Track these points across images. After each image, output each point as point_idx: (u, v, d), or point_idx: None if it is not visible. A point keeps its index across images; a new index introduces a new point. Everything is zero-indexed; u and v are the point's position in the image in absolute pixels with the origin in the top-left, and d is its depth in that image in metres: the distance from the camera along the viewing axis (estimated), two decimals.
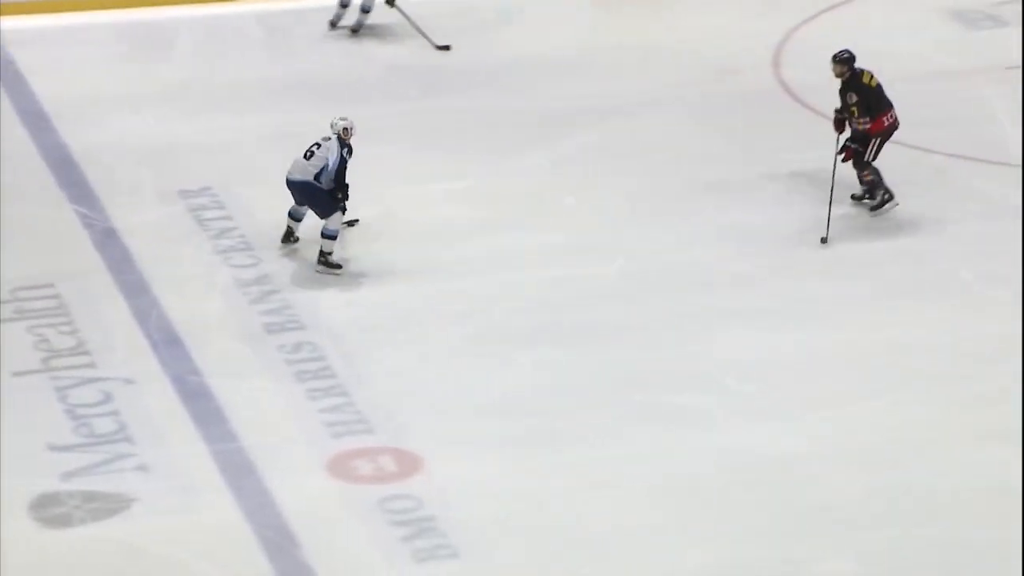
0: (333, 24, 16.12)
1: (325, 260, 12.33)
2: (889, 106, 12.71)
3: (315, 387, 11.27)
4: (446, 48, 15.74)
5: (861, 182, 12.91)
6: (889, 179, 13.00)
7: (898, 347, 11.59)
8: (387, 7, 15.84)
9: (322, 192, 12.22)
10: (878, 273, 12.40)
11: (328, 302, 12.16)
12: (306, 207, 12.41)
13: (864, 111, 12.61)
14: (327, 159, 12.20)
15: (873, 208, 12.77)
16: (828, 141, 13.87)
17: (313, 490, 10.39)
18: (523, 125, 14.55)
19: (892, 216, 12.96)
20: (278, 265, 12.54)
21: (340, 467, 10.56)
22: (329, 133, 12.33)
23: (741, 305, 12.07)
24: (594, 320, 11.94)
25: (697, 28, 16.29)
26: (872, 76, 12.73)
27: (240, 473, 10.49)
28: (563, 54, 15.83)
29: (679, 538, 10.05)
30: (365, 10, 16.00)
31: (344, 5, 16.09)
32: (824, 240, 12.49)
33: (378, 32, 15.95)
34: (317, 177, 12.21)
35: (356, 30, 16.03)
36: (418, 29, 15.80)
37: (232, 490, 10.35)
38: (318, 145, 12.30)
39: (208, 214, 13.23)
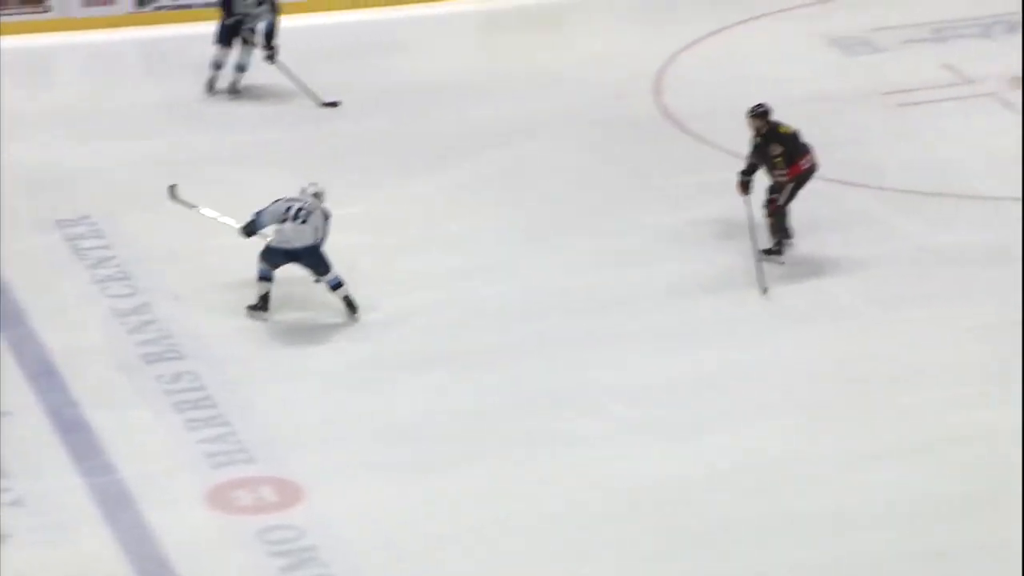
0: (210, 87, 15.25)
1: (354, 304, 12.10)
2: (806, 151, 12.60)
3: (195, 417, 11.09)
4: (333, 105, 15.14)
5: (767, 221, 12.77)
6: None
7: (788, 370, 11.58)
8: (267, 64, 15.09)
9: (321, 252, 12.05)
10: (768, 296, 12.37)
11: (208, 331, 11.98)
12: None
13: (787, 161, 12.53)
14: (320, 224, 11.99)
15: (762, 250, 12.67)
16: (712, 166, 13.99)
17: (193, 521, 10.20)
18: (416, 150, 14.46)
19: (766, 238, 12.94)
20: (156, 295, 12.34)
21: (220, 498, 10.37)
22: (300, 197, 12.06)
23: (632, 328, 12.02)
24: (485, 344, 11.85)
25: (586, 52, 16.25)
26: (787, 125, 12.61)
27: (118, 506, 10.28)
28: (453, 80, 15.72)
29: (568, 564, 9.96)
30: (240, 68, 15.19)
31: (218, 66, 15.20)
32: (765, 290, 12.40)
33: (255, 93, 15.38)
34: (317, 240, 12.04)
35: (235, 91, 15.24)
36: (302, 87, 15.11)
37: (110, 523, 10.14)
38: (305, 212, 11.97)
39: (86, 243, 12.99)
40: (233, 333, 11.99)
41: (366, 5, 17.08)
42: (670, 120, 15.02)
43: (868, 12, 16.68)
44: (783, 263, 12.65)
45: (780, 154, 12.48)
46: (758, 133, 12.56)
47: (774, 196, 12.62)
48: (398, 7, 17.03)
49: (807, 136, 12.78)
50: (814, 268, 12.71)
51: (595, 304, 12.32)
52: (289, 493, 10.40)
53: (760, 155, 12.56)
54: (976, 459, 10.69)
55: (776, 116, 12.67)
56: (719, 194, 13.40)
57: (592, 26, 16.91)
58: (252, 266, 12.14)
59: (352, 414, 11.16)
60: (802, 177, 12.58)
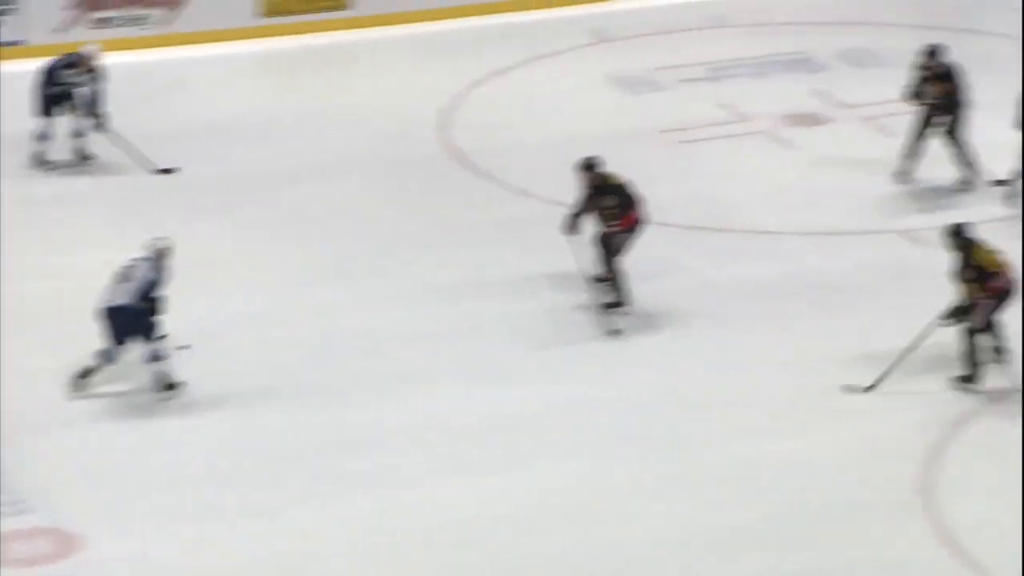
0: (40, 161, 14.26)
1: (169, 384, 11.36)
2: (638, 201, 12.34)
3: None
4: (168, 171, 14.39)
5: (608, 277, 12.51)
6: (556, 239, 12.78)
7: (588, 406, 11.44)
8: (97, 132, 14.24)
9: (144, 314, 11.27)
10: (563, 332, 12.21)
11: None
12: (123, 345, 11.26)
13: (621, 212, 12.24)
14: (145, 278, 11.29)
15: (608, 304, 12.36)
16: (500, 203, 13.93)
17: None
18: (205, 192, 14.08)
19: (568, 276, 12.68)
20: None
21: None
22: (144, 254, 11.44)
23: (436, 366, 11.81)
24: (285, 385, 11.54)
25: (371, 92, 16.02)
26: (616, 176, 12.34)
27: None
28: (239, 120, 15.37)
29: None
30: (79, 134, 14.29)
31: (44, 138, 14.23)
32: (617, 332, 12.11)
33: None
34: (137, 298, 11.28)
35: (85, 157, 14.33)
36: (134, 154, 14.36)
37: None
38: (127, 268, 11.33)
39: None
40: (11, 380, 11.40)
41: (149, 45, 16.61)
42: (456, 158, 14.81)
43: (647, 52, 16.70)
44: (629, 313, 12.42)
45: (613, 205, 12.22)
46: (589, 185, 12.25)
47: (613, 247, 12.30)
48: (182, 47, 16.61)
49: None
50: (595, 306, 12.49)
51: (397, 343, 12.08)
52: (65, 544, 9.97)
53: (590, 205, 12.28)
54: (767, 487, 10.66)
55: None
56: (509, 231, 13.39)
57: (378, 66, 16.71)
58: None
59: (134, 462, 10.76)
60: (637, 227, 12.33)
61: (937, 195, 13.95)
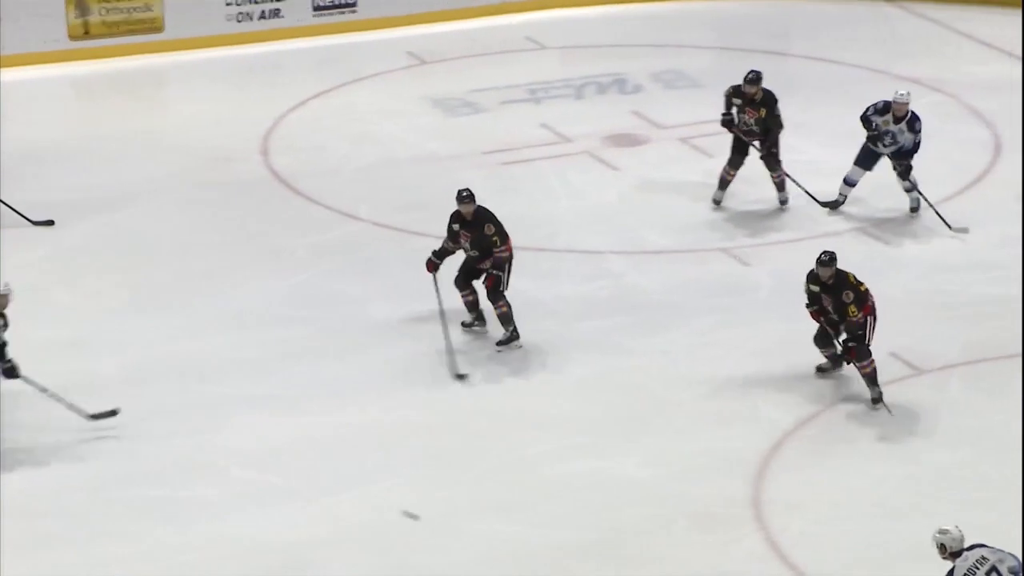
0: None
1: None
2: (506, 232, 12.11)
3: None
4: (49, 223, 13.75)
5: (497, 312, 12.19)
6: (379, 260, 12.57)
7: (406, 429, 11.25)
8: None
9: None
10: (390, 354, 11.99)
11: None
12: None
13: (502, 239, 11.97)
14: None
15: (499, 343, 12.14)
16: (323, 226, 13.59)
17: None
18: (17, 220, 13.54)
19: (394, 297, 12.51)
20: None
21: None
22: None
23: (248, 392, 11.53)
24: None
25: (188, 116, 15.66)
26: (484, 206, 12.03)
27: None
28: (50, 146, 14.89)
29: None
30: None
31: None
32: (462, 376, 11.81)
33: None
34: None
35: None
36: (9, 207, 13.72)
37: None
38: None
39: None
40: None
41: None
42: (280, 181, 14.53)
43: (466, 74, 16.58)
44: (521, 346, 12.19)
45: (495, 233, 11.99)
46: (464, 216, 11.95)
47: (492, 273, 12.03)
48: None
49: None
50: (423, 325, 12.28)
51: (213, 368, 11.78)
52: None
53: (463, 238, 11.97)
54: (601, 505, 10.58)
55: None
56: (332, 254, 13.14)
57: (194, 90, 16.39)
58: None
59: None
60: (511, 256, 12.11)
61: (756, 216, 14.02)
